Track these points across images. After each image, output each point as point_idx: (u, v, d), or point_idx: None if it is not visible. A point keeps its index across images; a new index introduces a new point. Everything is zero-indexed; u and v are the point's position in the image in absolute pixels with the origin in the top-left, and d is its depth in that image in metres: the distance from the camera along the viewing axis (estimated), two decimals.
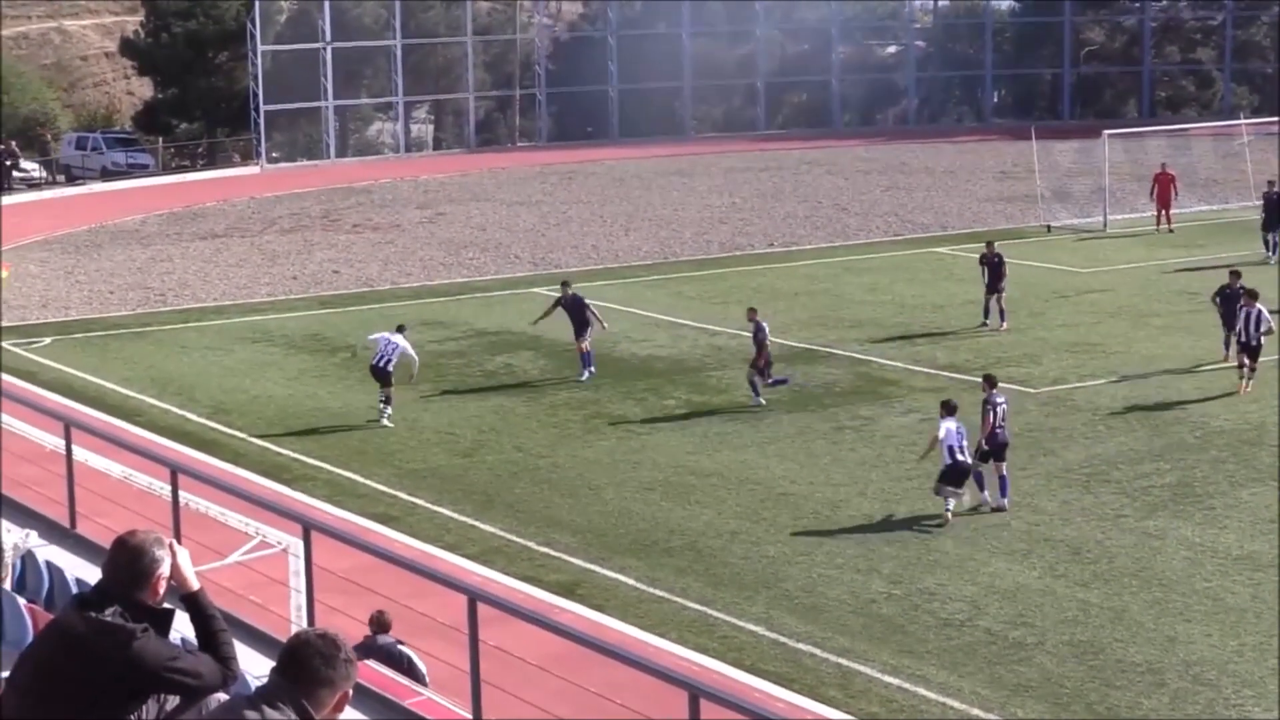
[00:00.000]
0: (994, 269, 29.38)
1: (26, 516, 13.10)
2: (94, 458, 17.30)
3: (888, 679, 14.44)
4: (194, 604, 5.43)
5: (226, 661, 5.34)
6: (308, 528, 11.56)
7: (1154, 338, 28.49)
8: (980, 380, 20.46)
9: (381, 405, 23.46)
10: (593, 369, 25.88)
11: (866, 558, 17.49)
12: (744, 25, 72.35)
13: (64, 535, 13.17)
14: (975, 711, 13.87)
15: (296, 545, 13.30)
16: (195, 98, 64.24)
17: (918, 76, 74.47)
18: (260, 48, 61.05)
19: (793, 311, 31.81)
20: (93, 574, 8.56)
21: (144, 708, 5.17)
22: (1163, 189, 41.33)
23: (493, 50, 70.86)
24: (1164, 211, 41.22)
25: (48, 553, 11.29)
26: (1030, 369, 26.24)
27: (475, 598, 9.61)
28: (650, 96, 70.13)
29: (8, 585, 9.40)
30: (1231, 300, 25.28)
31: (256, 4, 61.10)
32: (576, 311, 25.99)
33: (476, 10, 69.36)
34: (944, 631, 15.45)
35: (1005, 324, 29.06)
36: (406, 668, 12.38)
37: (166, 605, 5.34)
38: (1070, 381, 25.36)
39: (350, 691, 4.77)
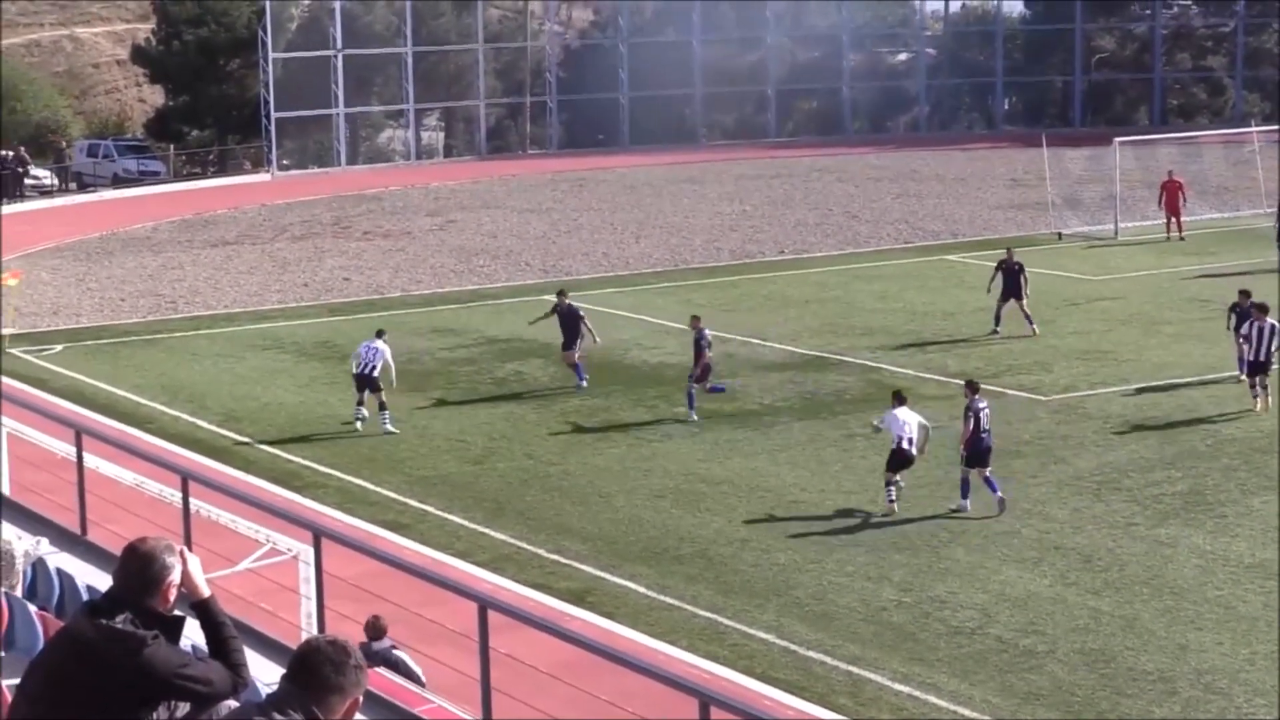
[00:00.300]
0: (1013, 277, 29.32)
1: (37, 523, 13.14)
2: (105, 465, 17.32)
3: (898, 687, 14.42)
4: (204, 611, 5.43)
5: (237, 668, 5.35)
6: (318, 535, 11.58)
7: (1165, 345, 28.42)
8: (963, 385, 20.47)
9: (365, 418, 23.36)
10: (585, 377, 25.69)
11: (877, 565, 17.46)
12: (755, 32, 72.39)
13: (75, 542, 13.19)
14: (986, 719, 13.85)
15: (307, 552, 13.29)
16: (206, 105, 64.39)
17: (928, 84, 74.44)
18: (271, 55, 61.17)
19: (803, 319, 31.81)
20: (103, 581, 8.54)
21: (155, 715, 5.17)
22: (1171, 197, 41.26)
23: (504, 57, 70.96)
24: (1174, 219, 41.14)
25: (58, 560, 11.30)
26: (1041, 376, 26.19)
27: (486, 605, 9.62)
28: (661, 103, 70.15)
29: (19, 592, 9.42)
30: (1244, 318, 24.76)
31: (268, 11, 61.16)
32: (570, 322, 25.83)
33: (488, 17, 69.49)
34: (955, 639, 15.42)
35: (1034, 327, 28.97)
36: (405, 671, 12.48)
37: (177, 612, 5.34)
38: (1081, 389, 25.30)
39: (360, 699, 4.77)
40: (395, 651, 12.89)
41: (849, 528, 18.86)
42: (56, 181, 59.32)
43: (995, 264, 30.23)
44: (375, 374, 23.30)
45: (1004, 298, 29.31)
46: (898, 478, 19.35)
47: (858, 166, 60.40)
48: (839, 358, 28.07)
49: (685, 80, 69.90)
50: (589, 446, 22.75)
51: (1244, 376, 24.23)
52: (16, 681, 5.57)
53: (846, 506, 19.61)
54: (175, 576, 5.28)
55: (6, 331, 30.88)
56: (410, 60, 65.05)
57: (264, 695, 4.89)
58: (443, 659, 11.79)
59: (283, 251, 42.75)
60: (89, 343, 30.95)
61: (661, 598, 16.64)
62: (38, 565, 9.95)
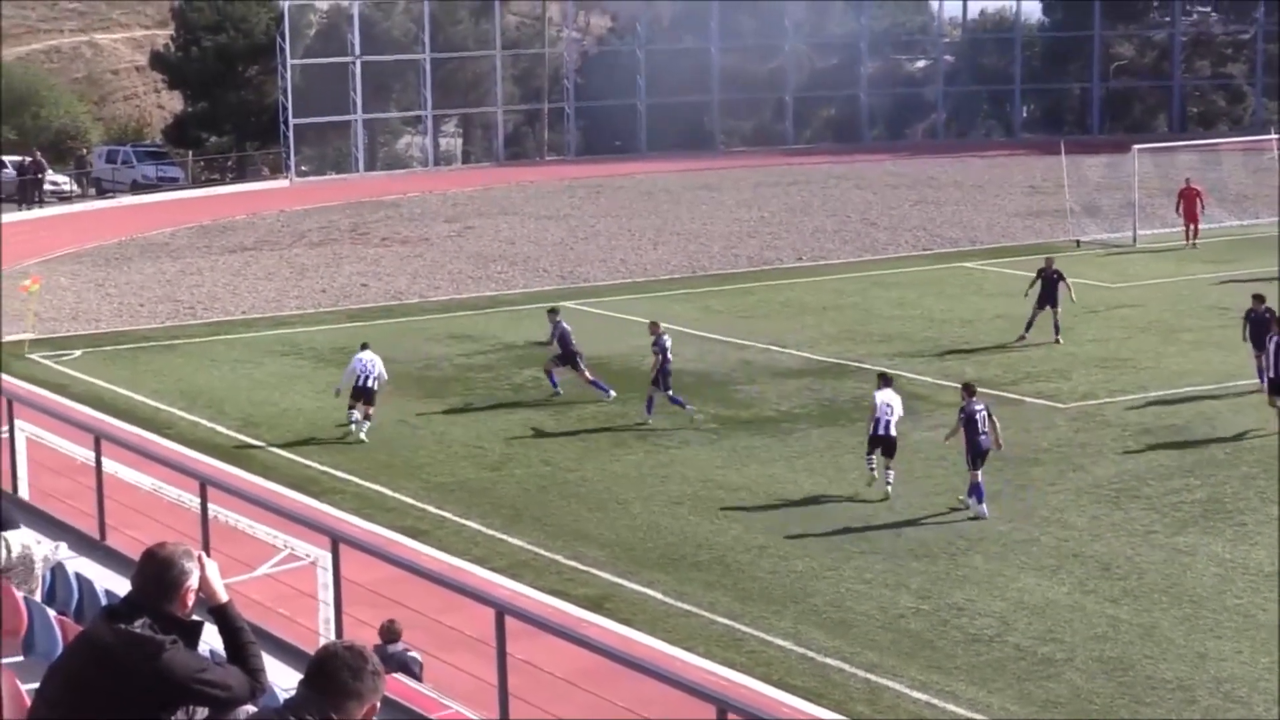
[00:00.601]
0: (1051, 285, 29.34)
1: (56, 528, 13.15)
2: (124, 470, 17.33)
3: (916, 694, 14.39)
4: (223, 616, 5.45)
5: (255, 674, 5.36)
6: (336, 540, 11.58)
7: (1184, 353, 28.33)
8: (960, 387, 20.74)
9: (359, 420, 23.36)
10: (608, 388, 25.47)
11: (895, 572, 17.42)
12: (773, 39, 72.31)
13: (94, 547, 13.20)
14: None
15: (325, 558, 13.27)
16: (225, 111, 64.52)
17: (946, 91, 74.32)
18: (290, 61, 61.28)
19: (821, 326, 31.77)
20: (122, 586, 8.55)
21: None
22: (1189, 204, 41.15)
23: (521, 64, 71.01)
24: (1192, 226, 41.02)
25: (77, 564, 11.32)
26: (1060, 384, 26.13)
27: (503, 611, 9.62)
28: (678, 110, 70.10)
29: (38, 597, 9.44)
30: (1259, 325, 24.57)
31: (286, 17, 61.31)
32: (564, 344, 25.49)
33: (505, 24, 69.56)
34: (973, 647, 15.38)
35: (1059, 337, 28.99)
36: (418, 672, 12.55)
37: (195, 617, 5.35)
38: (1100, 397, 25.24)
39: (378, 704, 4.78)
40: (410, 653, 12.92)
41: (867, 535, 18.80)
42: (76, 188, 59.45)
43: (1035, 271, 30.22)
44: (374, 385, 23.35)
45: (1039, 305, 29.31)
46: (888, 462, 20.20)
47: (875, 173, 60.33)
48: (857, 365, 28.04)
49: (703, 87, 69.92)
50: (606, 453, 22.74)
51: (1263, 382, 24.00)
52: (36, 686, 5.59)
53: (864, 514, 19.57)
54: (193, 581, 5.30)
55: (27, 337, 30.97)
56: (428, 66, 65.17)
57: (282, 700, 4.91)
58: (460, 665, 11.79)
59: (301, 257, 42.83)
60: (108, 348, 31.03)
61: (679, 604, 16.62)
62: (57, 570, 9.97)
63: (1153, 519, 19.11)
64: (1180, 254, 39.99)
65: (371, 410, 23.43)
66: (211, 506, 13.10)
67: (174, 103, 71.42)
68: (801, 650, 15.36)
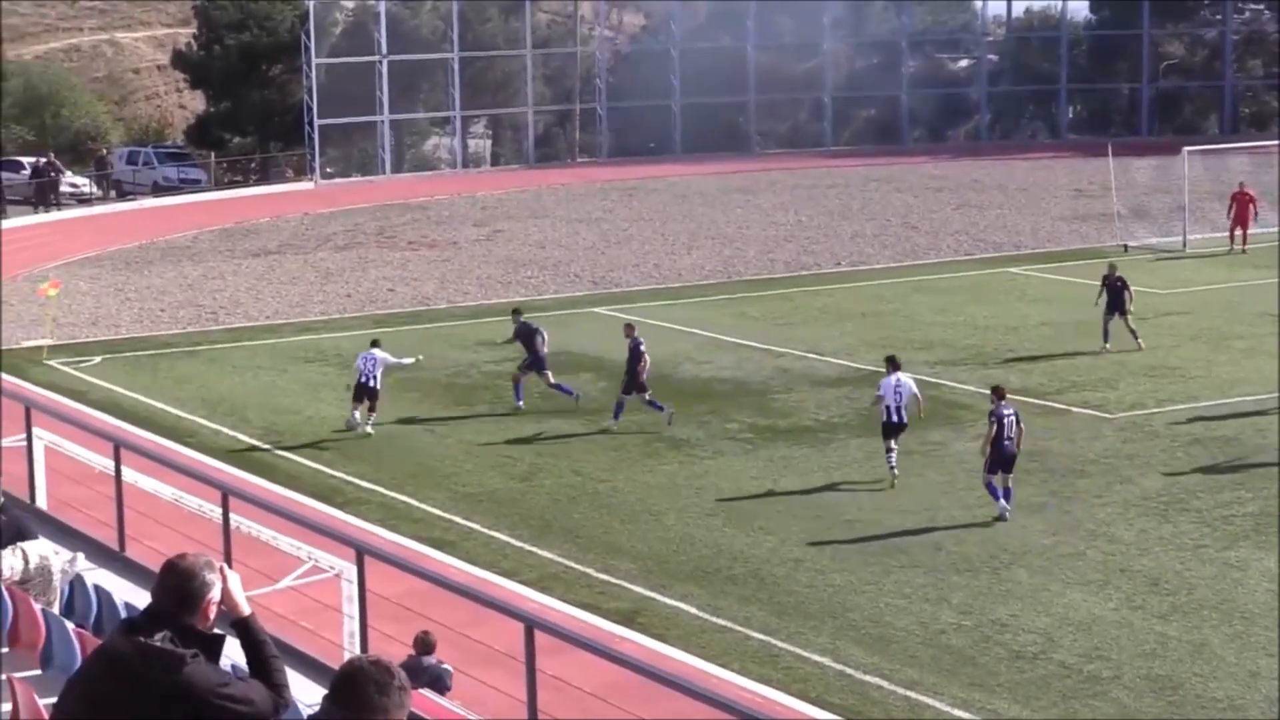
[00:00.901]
0: (1116, 292, 28.97)
1: (75, 539, 13.06)
2: (144, 479, 17.17)
3: (957, 713, 14.13)
4: (245, 629, 5.43)
5: (278, 688, 5.34)
6: (361, 552, 11.63)
7: (1236, 361, 27.88)
8: (990, 391, 20.71)
9: (360, 416, 23.62)
10: (571, 391, 25.27)
11: (936, 587, 17.11)
12: (811, 38, 71.69)
13: (113, 558, 13.15)
14: None
15: (350, 570, 13.12)
16: (248, 111, 64.07)
17: (990, 91, 73.56)
18: (314, 60, 60.41)
19: (861, 332, 31.39)
20: (142, 598, 8.62)
21: None
22: (1241, 209, 40.61)
23: (552, 63, 70.63)
24: (1241, 232, 40.44)
25: (96, 576, 11.30)
26: (1106, 393, 25.69)
27: (532, 625, 9.63)
28: (714, 111, 69.67)
29: (56, 609, 9.31)
30: None
31: (311, 15, 60.72)
32: (527, 340, 25.32)
33: (536, 22, 69.23)
34: (1016, 664, 15.12)
35: (1140, 342, 28.56)
36: (449, 684, 12.48)
37: (217, 630, 5.34)
38: (1148, 406, 24.81)
39: None
40: (444, 667, 12.81)
41: (907, 548, 18.49)
42: (95, 190, 58.92)
43: (1100, 279, 29.79)
44: (375, 385, 23.46)
45: (1109, 312, 28.90)
46: (892, 444, 20.65)
47: (916, 176, 59.90)
48: None
49: (739, 87, 69.43)
50: (638, 463, 22.42)
51: None
52: (53, 700, 5.71)
53: (904, 526, 19.25)
54: (215, 594, 5.30)
55: (45, 342, 30.83)
56: (457, 66, 64.68)
57: (305, 716, 5.01)
58: (489, 680, 11.65)
59: (326, 261, 42.62)
60: (128, 354, 30.80)
61: (713, 619, 16.38)
62: (75, 582, 10.02)
63: (1203, 533, 18.77)
64: (1232, 259, 39.44)
65: (374, 408, 23.54)
66: (234, 517, 13.06)
67: (196, 103, 71.28)
68: (839, 667, 15.12)
